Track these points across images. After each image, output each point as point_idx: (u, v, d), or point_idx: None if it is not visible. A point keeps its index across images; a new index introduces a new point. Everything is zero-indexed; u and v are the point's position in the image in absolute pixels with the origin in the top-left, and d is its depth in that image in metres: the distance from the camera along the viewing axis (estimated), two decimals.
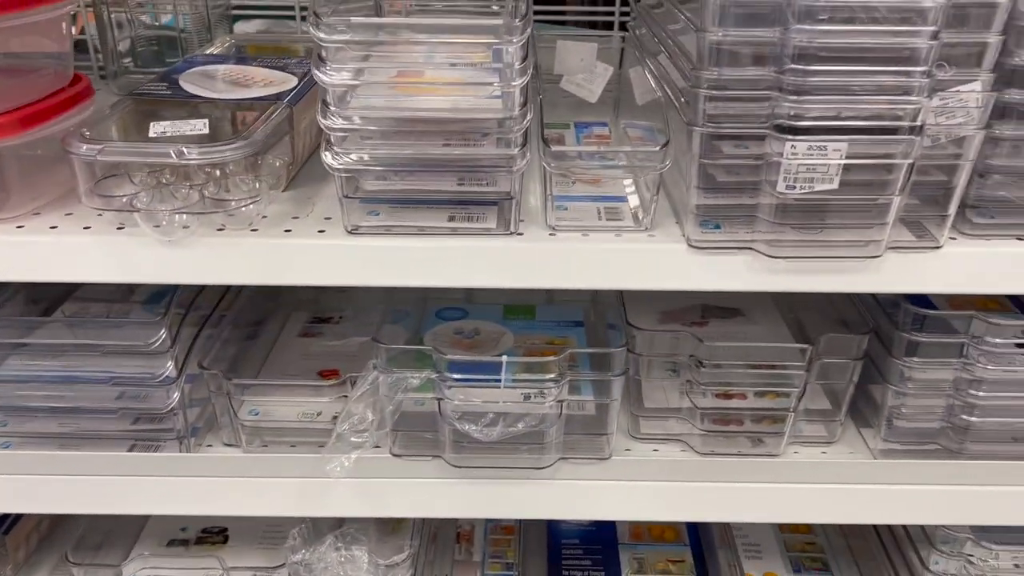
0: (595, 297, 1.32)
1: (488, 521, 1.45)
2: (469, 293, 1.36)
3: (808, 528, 1.45)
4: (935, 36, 0.81)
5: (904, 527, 1.22)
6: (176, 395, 1.04)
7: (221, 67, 1.13)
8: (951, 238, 0.94)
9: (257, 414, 1.14)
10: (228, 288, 1.20)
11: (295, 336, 1.35)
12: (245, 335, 1.30)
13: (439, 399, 1.01)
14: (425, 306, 1.32)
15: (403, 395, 1.01)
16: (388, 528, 1.16)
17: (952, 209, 0.91)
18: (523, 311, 1.32)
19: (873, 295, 1.12)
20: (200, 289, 1.11)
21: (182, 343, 1.04)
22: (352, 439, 0.99)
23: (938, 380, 1.05)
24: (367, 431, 0.99)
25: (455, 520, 1.46)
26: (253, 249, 0.93)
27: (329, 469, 1.01)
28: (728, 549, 1.38)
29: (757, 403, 1.10)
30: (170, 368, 1.02)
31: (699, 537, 1.40)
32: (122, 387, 1.05)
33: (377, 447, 1.07)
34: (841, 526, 1.44)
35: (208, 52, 1.26)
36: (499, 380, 0.99)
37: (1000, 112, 0.89)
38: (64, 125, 0.97)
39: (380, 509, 1.09)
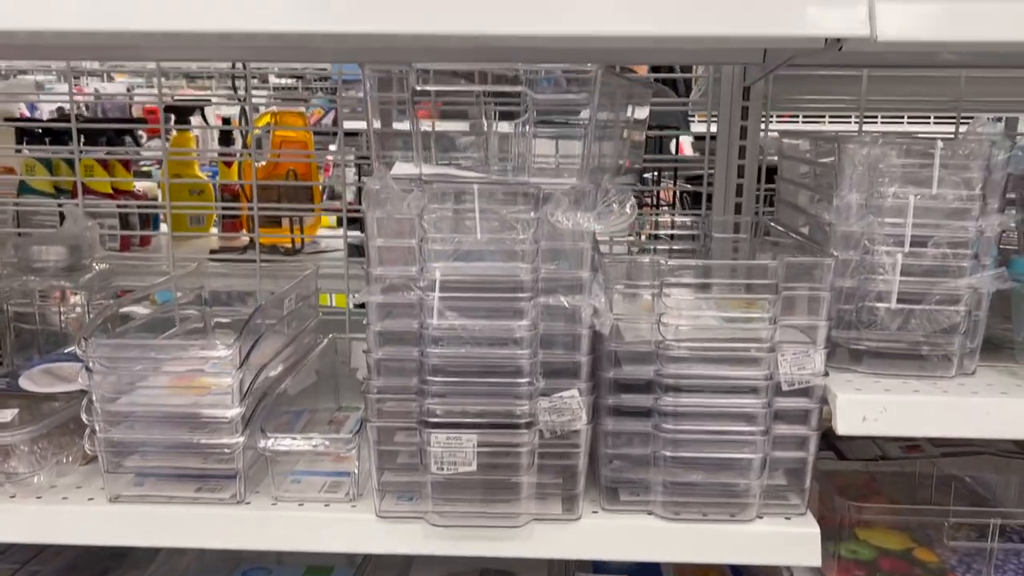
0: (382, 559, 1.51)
1: None
2: (280, 555, 1.56)
3: None
4: (534, 355, 1.08)
5: None
6: None
7: (62, 364, 1.42)
8: (594, 512, 1.15)
9: None
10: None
11: None
12: None
13: None
14: (238, 566, 1.52)
15: None
16: None
17: (580, 488, 1.13)
18: (322, 571, 1.52)
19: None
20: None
21: None
22: None
23: None
24: None
25: None
26: (31, 514, 1.17)
27: None
28: None
29: None
30: None
31: None
32: None
33: None
34: None
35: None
36: None
37: (613, 411, 1.14)
38: None
39: None
